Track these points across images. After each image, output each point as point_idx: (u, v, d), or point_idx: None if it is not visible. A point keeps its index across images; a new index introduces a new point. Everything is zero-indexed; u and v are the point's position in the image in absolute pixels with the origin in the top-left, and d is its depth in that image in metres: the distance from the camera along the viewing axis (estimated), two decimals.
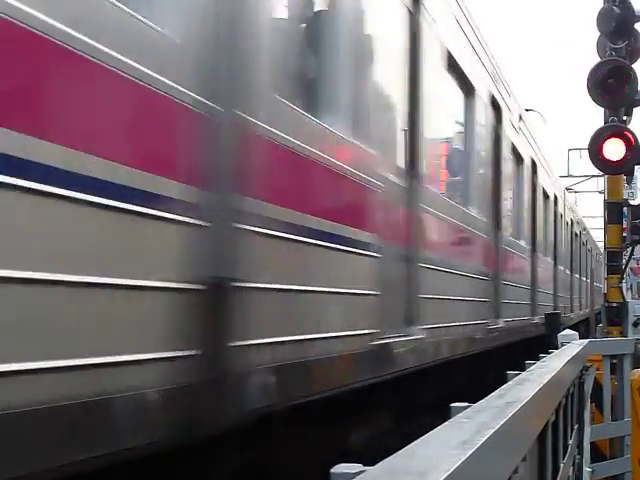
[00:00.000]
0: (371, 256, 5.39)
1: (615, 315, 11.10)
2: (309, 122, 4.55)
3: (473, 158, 9.72)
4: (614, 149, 10.43)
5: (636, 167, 13.42)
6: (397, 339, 6.08)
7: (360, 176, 5.19)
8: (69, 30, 2.59)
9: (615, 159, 10.53)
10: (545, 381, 3.49)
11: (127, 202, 2.84)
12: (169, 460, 3.31)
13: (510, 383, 3.37)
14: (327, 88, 5.01)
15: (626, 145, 10.46)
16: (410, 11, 6.62)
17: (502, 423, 2.15)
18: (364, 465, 1.62)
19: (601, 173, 14.78)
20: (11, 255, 2.38)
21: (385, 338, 5.76)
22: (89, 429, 2.68)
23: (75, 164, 2.62)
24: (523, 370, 4.35)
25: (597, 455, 8.32)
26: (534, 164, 15.46)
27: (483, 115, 10.09)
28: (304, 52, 4.95)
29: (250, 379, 3.76)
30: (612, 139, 10.49)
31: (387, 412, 6.74)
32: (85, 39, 2.67)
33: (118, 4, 2.87)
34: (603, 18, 10.71)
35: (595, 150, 10.61)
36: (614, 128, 10.68)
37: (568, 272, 22.47)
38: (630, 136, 10.55)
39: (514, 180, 13.28)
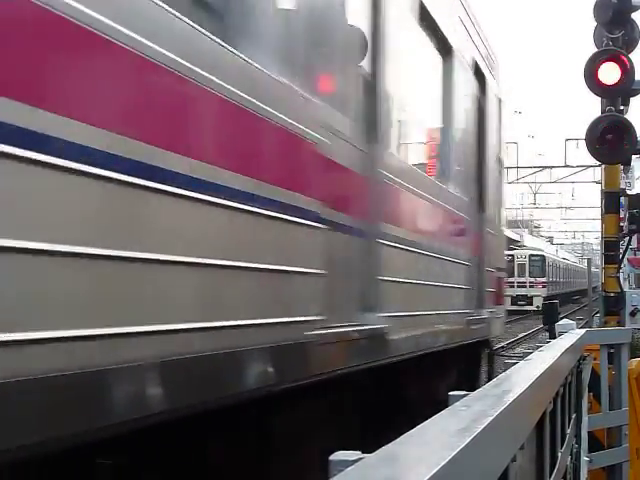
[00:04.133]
0: None
1: (612, 305, 11.11)
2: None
3: None
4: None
5: (633, 157, 13.42)
6: None
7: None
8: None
9: (612, 148, 10.54)
10: (542, 370, 3.50)
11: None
12: None
13: (508, 372, 3.37)
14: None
15: (623, 134, 10.46)
16: None
17: (500, 411, 2.15)
18: (362, 452, 1.63)
19: (598, 163, 14.76)
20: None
21: None
22: None
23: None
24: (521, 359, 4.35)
25: (595, 444, 8.33)
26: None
27: None
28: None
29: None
30: (609, 128, 10.49)
31: None
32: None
33: None
34: (600, 8, 10.70)
35: (592, 140, 10.62)
36: (610, 118, 10.68)
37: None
38: (627, 124, 10.55)
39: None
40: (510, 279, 65.51)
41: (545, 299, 47.84)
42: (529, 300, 62.88)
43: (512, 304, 64.44)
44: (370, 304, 5.59)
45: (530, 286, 64.71)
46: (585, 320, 31.96)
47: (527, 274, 65.27)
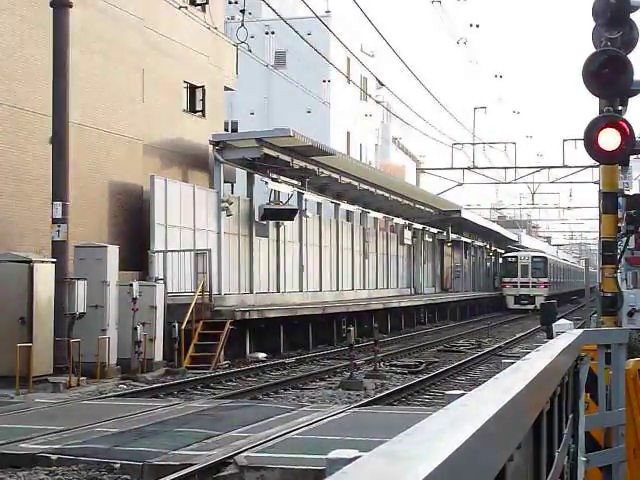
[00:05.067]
0: None
1: (610, 305, 11.13)
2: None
3: None
4: (609, 139, 10.41)
5: (631, 157, 13.43)
6: None
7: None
8: None
9: (610, 149, 10.53)
10: (540, 370, 3.50)
11: None
12: None
13: (505, 371, 3.38)
14: None
15: (621, 135, 10.46)
16: None
17: (497, 410, 2.16)
18: (360, 451, 1.63)
19: (596, 163, 14.79)
20: None
21: None
22: None
23: None
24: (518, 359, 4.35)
25: (592, 444, 8.34)
26: None
27: None
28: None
29: None
30: (607, 129, 10.49)
31: None
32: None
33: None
34: (598, 8, 10.71)
35: (590, 140, 10.61)
36: (609, 118, 10.68)
37: None
38: (625, 126, 10.55)
39: None
40: (513, 279, 67.54)
41: (546, 298, 48.91)
42: (531, 299, 64.59)
43: (515, 303, 66.75)
44: None
45: (532, 286, 66.96)
46: (583, 320, 31.97)
47: (530, 275, 67.30)
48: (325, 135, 49.57)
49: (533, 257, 69.44)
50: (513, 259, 69.56)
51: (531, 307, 62.09)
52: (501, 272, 72.02)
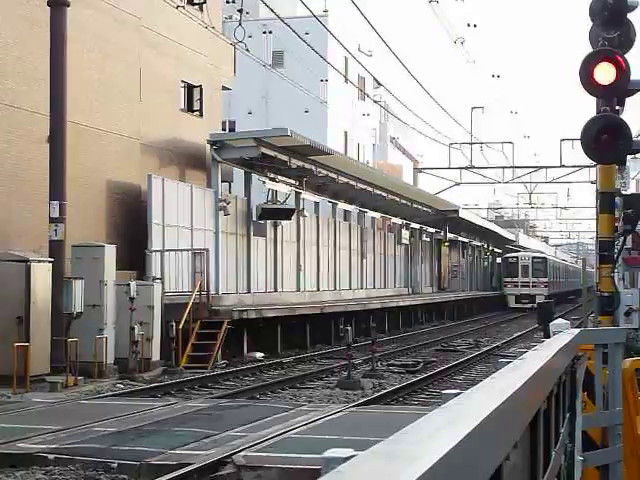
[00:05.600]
0: None
1: (607, 305, 11.13)
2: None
3: None
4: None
5: (628, 157, 13.44)
6: None
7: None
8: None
9: (608, 148, 10.54)
10: (536, 369, 3.51)
11: None
12: None
13: (502, 370, 3.38)
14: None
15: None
16: None
17: (493, 409, 2.16)
18: (356, 451, 1.63)
19: (593, 163, 14.77)
20: None
21: None
22: None
23: None
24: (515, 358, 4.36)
25: (589, 444, 8.33)
26: None
27: None
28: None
29: None
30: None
31: None
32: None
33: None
34: (596, 8, 10.71)
35: (588, 139, 10.61)
36: (607, 117, 10.68)
37: None
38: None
39: None
40: (514, 279, 68.90)
41: (546, 298, 49.39)
42: (532, 299, 65.73)
43: (516, 302, 68.13)
44: None
45: (533, 286, 68.53)
46: (580, 320, 32.03)
47: (530, 275, 68.77)
48: (323, 135, 49.56)
49: (533, 258, 71.05)
50: (514, 260, 71.05)
51: (531, 306, 62.97)
52: (502, 272, 73.24)
